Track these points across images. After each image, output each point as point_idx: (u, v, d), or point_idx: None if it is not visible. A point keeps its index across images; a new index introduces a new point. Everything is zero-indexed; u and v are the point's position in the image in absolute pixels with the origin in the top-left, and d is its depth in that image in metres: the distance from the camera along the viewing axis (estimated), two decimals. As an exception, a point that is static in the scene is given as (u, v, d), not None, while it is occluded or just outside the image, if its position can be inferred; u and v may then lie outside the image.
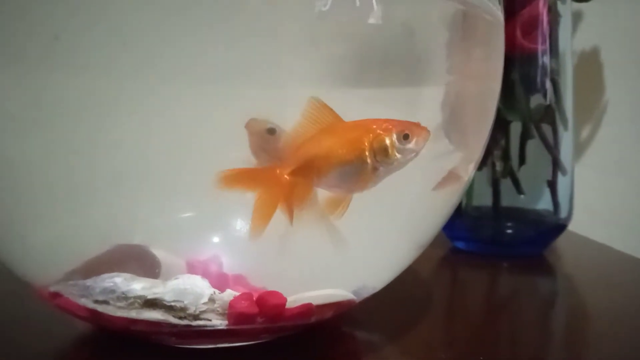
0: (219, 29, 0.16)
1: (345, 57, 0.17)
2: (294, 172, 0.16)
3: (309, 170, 0.16)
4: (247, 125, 0.16)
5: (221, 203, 0.17)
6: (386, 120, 0.16)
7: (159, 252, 0.18)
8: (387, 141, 0.16)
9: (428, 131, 0.17)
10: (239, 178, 0.16)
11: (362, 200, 0.17)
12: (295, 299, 0.17)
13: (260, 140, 0.16)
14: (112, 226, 0.18)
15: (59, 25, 0.15)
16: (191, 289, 0.18)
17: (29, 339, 0.21)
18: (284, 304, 0.17)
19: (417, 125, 0.17)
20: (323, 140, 0.16)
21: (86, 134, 0.16)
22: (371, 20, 0.16)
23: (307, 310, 0.18)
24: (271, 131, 0.16)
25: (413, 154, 0.17)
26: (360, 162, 0.16)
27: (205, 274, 0.18)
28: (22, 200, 0.17)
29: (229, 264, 0.18)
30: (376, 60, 0.17)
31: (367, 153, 0.16)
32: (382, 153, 0.16)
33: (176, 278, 0.18)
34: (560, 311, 0.28)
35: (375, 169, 0.16)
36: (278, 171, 0.16)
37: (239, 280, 0.18)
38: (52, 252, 0.18)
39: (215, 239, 0.18)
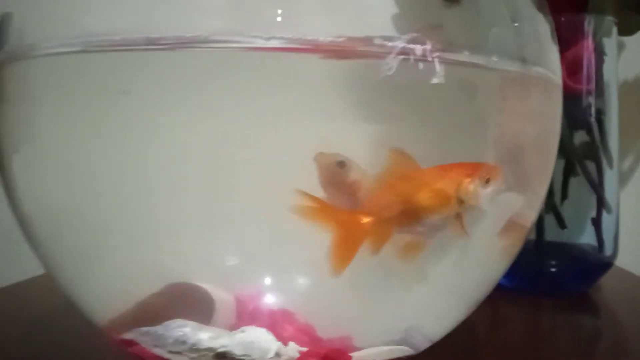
0: (285, 82, 0.16)
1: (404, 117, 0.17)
2: (377, 220, 0.16)
3: (392, 219, 0.16)
4: (316, 158, 0.16)
5: (269, 238, 0.17)
6: (465, 165, 0.17)
7: (208, 287, 0.19)
8: (472, 188, 0.16)
9: (501, 171, 0.17)
10: (319, 213, 0.16)
11: (428, 259, 0.18)
12: (360, 355, 0.18)
13: (330, 174, 0.16)
14: (168, 264, 0.18)
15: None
16: (258, 342, 0.18)
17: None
18: (350, 362, 0.18)
19: (494, 167, 0.17)
20: (407, 189, 0.16)
21: (145, 178, 0.17)
22: (434, 81, 0.17)
23: (371, 367, 0.18)
24: (341, 164, 0.16)
25: (491, 197, 0.17)
26: (446, 210, 0.16)
27: (255, 310, 0.18)
28: (87, 244, 0.19)
29: (275, 300, 0.18)
30: (436, 120, 0.18)
31: (452, 201, 0.16)
32: (467, 200, 0.16)
33: (242, 331, 0.19)
34: (604, 351, 0.28)
35: (459, 216, 0.17)
36: (362, 217, 0.16)
37: (286, 316, 0.19)
38: (114, 292, 0.19)
39: (263, 275, 0.18)
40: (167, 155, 0.17)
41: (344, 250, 0.16)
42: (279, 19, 0.16)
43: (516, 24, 0.18)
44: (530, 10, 0.19)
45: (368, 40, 0.16)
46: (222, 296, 0.19)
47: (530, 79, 0.19)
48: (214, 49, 0.16)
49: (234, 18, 0.17)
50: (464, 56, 0.16)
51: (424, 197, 0.16)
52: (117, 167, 0.17)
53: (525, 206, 0.21)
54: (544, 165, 0.22)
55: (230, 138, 0.16)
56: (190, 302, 0.19)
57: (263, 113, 0.16)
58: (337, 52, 0.16)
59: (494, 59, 0.17)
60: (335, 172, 0.16)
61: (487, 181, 0.16)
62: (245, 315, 0.18)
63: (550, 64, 0.19)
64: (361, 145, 0.17)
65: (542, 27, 0.19)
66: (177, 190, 0.17)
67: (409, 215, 0.16)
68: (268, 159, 0.17)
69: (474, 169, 0.16)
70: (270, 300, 0.18)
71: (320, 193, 0.16)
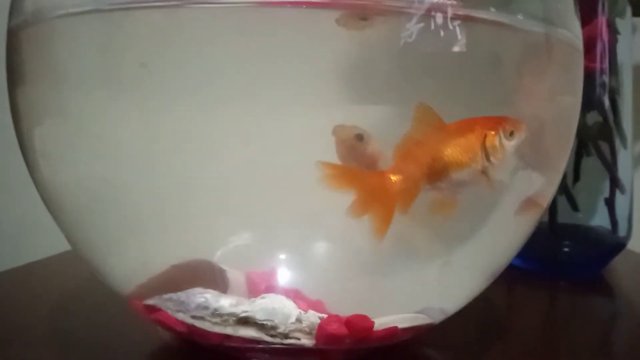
0: (306, 53, 0.16)
1: (433, 86, 0.17)
2: (404, 178, 0.16)
3: (419, 176, 0.16)
4: (335, 132, 0.16)
5: (284, 217, 0.17)
6: (488, 119, 0.17)
7: (222, 266, 0.19)
8: (497, 141, 0.16)
9: (524, 124, 0.17)
10: (347, 177, 0.16)
11: (444, 223, 0.18)
12: (381, 322, 0.18)
13: (349, 147, 0.16)
14: (187, 239, 0.18)
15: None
16: (280, 308, 0.18)
17: (121, 348, 0.22)
18: (372, 327, 0.18)
19: (517, 119, 0.17)
20: (433, 145, 0.16)
21: (168, 157, 0.17)
22: (456, 49, 0.17)
23: (393, 333, 0.18)
24: (359, 137, 0.16)
25: (515, 150, 0.17)
26: (474, 164, 0.17)
27: (266, 289, 0.18)
28: (115, 219, 0.19)
29: (288, 279, 0.18)
30: (462, 89, 0.17)
31: (479, 155, 0.16)
32: (493, 153, 0.17)
33: (263, 297, 0.19)
34: (619, 333, 0.28)
35: (485, 169, 0.17)
36: (391, 176, 0.16)
37: (296, 294, 0.19)
38: (138, 264, 0.19)
39: (276, 254, 0.18)
40: (188, 136, 0.17)
41: (385, 212, 0.16)
42: None
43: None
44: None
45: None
46: (235, 275, 0.19)
47: (556, 42, 0.18)
48: (224, 4, 0.15)
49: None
50: (490, 13, 0.16)
51: (450, 152, 0.16)
52: (142, 147, 0.17)
53: (544, 182, 0.21)
54: (566, 139, 0.22)
55: (244, 115, 0.16)
56: (206, 278, 0.19)
57: (276, 85, 0.16)
58: (354, 7, 0.15)
59: (520, 17, 0.16)
60: (354, 144, 0.16)
61: (511, 134, 0.17)
62: (258, 293, 0.18)
63: (574, 29, 0.19)
64: (380, 116, 0.17)
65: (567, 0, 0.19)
66: (199, 168, 0.17)
67: (437, 172, 0.16)
68: (280, 136, 0.16)
69: (497, 122, 0.16)
70: (282, 279, 0.18)
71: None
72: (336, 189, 0.16)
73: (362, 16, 0.15)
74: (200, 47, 0.16)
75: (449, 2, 0.15)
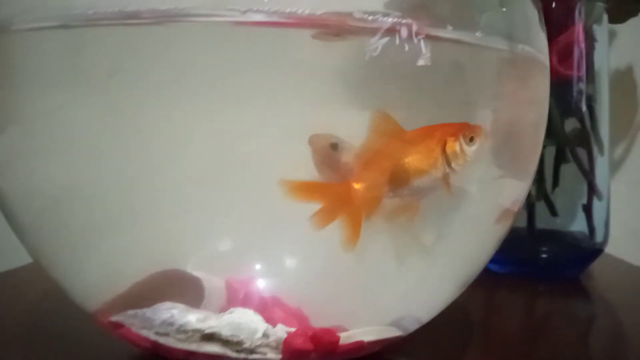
0: (277, 64, 0.16)
1: (396, 97, 0.17)
2: (369, 186, 0.16)
3: (383, 184, 0.16)
4: (310, 141, 0.16)
5: (261, 224, 0.17)
6: (448, 125, 0.17)
7: (198, 273, 0.19)
8: (457, 146, 0.17)
9: (484, 130, 0.17)
10: (310, 191, 0.16)
11: (415, 231, 0.18)
12: (348, 335, 0.18)
13: (323, 155, 0.16)
14: (158, 249, 0.18)
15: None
16: (246, 323, 0.18)
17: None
18: (338, 341, 0.18)
19: (476, 126, 0.17)
20: (394, 152, 0.16)
21: (132, 160, 0.17)
22: (420, 63, 0.17)
23: (359, 347, 0.18)
24: (334, 146, 0.16)
25: (476, 155, 0.17)
26: (434, 170, 0.17)
27: (246, 296, 0.18)
28: (75, 228, 0.18)
29: (266, 285, 0.18)
30: (426, 100, 0.17)
31: (440, 161, 0.17)
32: (454, 159, 0.17)
33: (230, 312, 0.19)
34: (597, 336, 0.28)
35: (446, 175, 0.17)
36: (354, 185, 0.16)
37: (275, 302, 0.19)
38: (103, 278, 0.19)
39: (253, 260, 0.18)
40: (155, 138, 0.16)
41: (354, 223, 0.16)
42: None
43: (504, 9, 0.18)
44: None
45: (349, 15, 0.15)
46: (212, 282, 0.19)
47: (519, 59, 0.18)
48: (192, 22, 0.15)
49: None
50: (448, 32, 0.16)
51: (411, 160, 0.16)
52: (104, 150, 0.17)
53: (516, 190, 0.22)
54: (533, 149, 0.22)
55: (218, 120, 0.16)
56: (179, 288, 0.19)
57: (251, 93, 0.16)
58: (320, 26, 0.15)
59: (478, 34, 0.16)
60: (328, 153, 0.16)
61: (471, 139, 0.17)
62: (236, 301, 0.18)
63: (539, 45, 0.19)
64: (352, 125, 0.17)
65: (530, 12, 0.19)
66: (167, 175, 0.17)
67: (398, 179, 0.16)
68: (256, 142, 0.16)
69: (457, 128, 0.17)
70: (261, 286, 0.18)
71: (315, 173, 0.16)
72: (301, 201, 0.16)
73: (335, 33, 0.16)
74: (163, 59, 0.16)
75: (407, 21, 0.15)
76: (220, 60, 0.16)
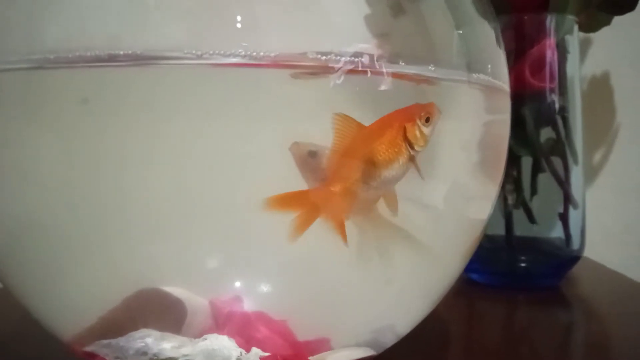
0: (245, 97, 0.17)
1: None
2: (343, 185, 0.17)
3: (357, 181, 0.17)
4: (291, 149, 0.17)
5: (243, 242, 0.17)
6: (403, 111, 0.17)
7: (181, 292, 0.19)
8: (417, 130, 0.17)
9: (436, 107, 0.18)
10: (288, 201, 0.17)
11: (392, 245, 0.18)
12: (319, 358, 0.18)
13: (303, 162, 0.17)
14: (133, 273, 0.18)
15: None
16: (219, 350, 0.19)
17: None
18: (308, 367, 0.18)
19: (429, 105, 0.18)
20: (361, 150, 0.17)
21: (104, 184, 0.17)
22: (382, 88, 0.17)
23: (329, 371, 0.18)
24: (312, 154, 0.17)
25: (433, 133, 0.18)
26: (400, 157, 0.17)
27: (229, 315, 0.19)
28: (46, 255, 0.18)
29: (249, 301, 0.19)
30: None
31: (403, 147, 0.17)
32: (416, 142, 0.17)
33: (204, 339, 0.19)
34: (577, 343, 0.28)
35: (412, 158, 0.18)
36: (330, 187, 0.17)
37: (260, 317, 0.19)
38: (77, 306, 0.19)
39: (237, 278, 0.18)
40: (127, 161, 0.17)
41: (307, 221, 0.17)
42: (238, 25, 0.16)
43: (459, 31, 0.19)
44: (474, 17, 0.19)
45: (303, 55, 0.16)
46: (195, 301, 0.19)
47: (476, 87, 0.19)
48: (168, 65, 0.16)
49: (185, 34, 0.17)
50: (400, 67, 0.16)
51: (376, 152, 0.17)
52: (76, 174, 0.17)
53: (482, 208, 0.22)
54: (498, 164, 0.22)
55: (195, 146, 0.17)
56: (159, 310, 0.19)
57: (226, 124, 0.16)
58: (282, 66, 0.16)
59: (431, 68, 0.17)
60: (308, 161, 0.17)
61: (427, 120, 0.17)
62: (220, 319, 0.18)
63: (496, 70, 0.20)
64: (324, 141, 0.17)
65: (487, 33, 0.20)
66: (141, 198, 0.17)
67: (369, 172, 0.17)
68: (234, 166, 0.17)
69: (412, 112, 0.17)
70: (245, 303, 0.18)
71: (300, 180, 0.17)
72: (282, 212, 0.17)
73: (310, 73, 0.17)
74: (130, 94, 0.16)
75: (360, 59, 0.16)
76: (191, 97, 0.16)
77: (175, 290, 0.18)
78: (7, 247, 0.19)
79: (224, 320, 0.18)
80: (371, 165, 0.17)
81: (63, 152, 0.17)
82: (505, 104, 0.21)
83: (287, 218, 0.17)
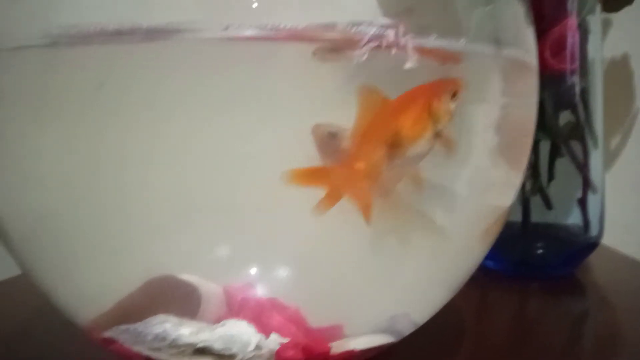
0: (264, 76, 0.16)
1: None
2: (367, 162, 0.17)
3: (381, 158, 0.17)
4: (312, 130, 0.16)
5: (257, 228, 0.17)
6: (429, 86, 0.17)
7: (195, 279, 0.19)
8: (443, 106, 0.17)
9: (462, 81, 0.17)
10: (312, 176, 0.17)
11: (411, 233, 0.18)
12: (339, 344, 0.18)
13: (324, 144, 0.17)
14: (150, 260, 0.18)
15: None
16: (238, 336, 0.18)
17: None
18: (329, 352, 0.18)
19: (455, 80, 0.17)
20: (385, 125, 0.17)
21: (121, 170, 0.17)
22: (408, 65, 0.17)
23: (351, 356, 0.18)
24: (332, 135, 0.17)
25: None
26: (427, 133, 0.17)
27: (243, 301, 0.18)
28: (65, 242, 0.18)
29: (264, 288, 0.18)
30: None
31: (429, 124, 0.17)
32: (441, 118, 0.17)
33: (222, 324, 0.19)
34: (593, 332, 0.28)
35: (438, 135, 0.17)
36: (354, 166, 0.17)
37: (273, 303, 0.19)
38: (95, 292, 0.19)
39: (251, 265, 0.18)
40: (147, 148, 0.16)
41: (334, 199, 0.17)
42: (254, 5, 0.16)
43: (490, 7, 0.18)
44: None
45: (332, 27, 0.15)
46: (209, 288, 0.19)
47: (503, 61, 0.18)
48: (183, 39, 0.15)
49: (199, 8, 0.16)
50: (431, 41, 0.16)
51: (402, 128, 0.17)
52: (93, 163, 0.17)
53: (506, 194, 0.21)
54: (524, 148, 0.22)
55: (211, 129, 0.16)
56: (173, 297, 0.19)
57: (243, 103, 0.16)
58: (304, 39, 0.15)
59: (462, 41, 0.16)
60: (328, 142, 0.17)
61: (454, 95, 0.17)
62: (234, 305, 0.18)
63: (526, 44, 0.19)
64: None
65: (516, 9, 0.19)
66: (158, 185, 0.17)
67: (394, 149, 0.17)
68: (250, 149, 0.16)
69: (438, 87, 0.17)
70: (259, 290, 0.18)
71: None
72: (305, 186, 0.17)
73: (331, 49, 0.16)
74: (149, 78, 0.16)
75: (390, 31, 0.15)
76: (206, 77, 0.16)
77: (189, 277, 0.18)
78: (27, 234, 0.19)
79: (238, 307, 0.18)
80: (396, 142, 0.17)
81: (80, 138, 0.17)
82: (534, 83, 0.20)
83: (302, 204, 0.17)
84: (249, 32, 0.15)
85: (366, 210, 0.17)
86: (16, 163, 0.18)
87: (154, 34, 0.15)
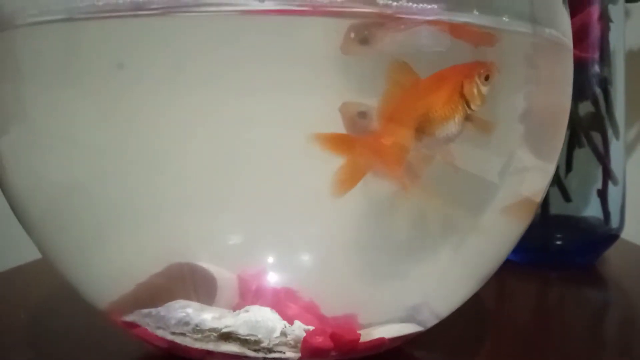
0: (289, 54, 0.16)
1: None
2: (395, 139, 0.16)
3: (408, 135, 0.16)
4: (340, 109, 0.16)
5: (272, 215, 0.17)
6: (462, 67, 0.16)
7: (210, 267, 0.18)
8: (475, 88, 0.16)
9: (496, 65, 0.17)
10: (340, 142, 0.16)
11: (437, 231, 0.17)
12: (368, 332, 0.18)
13: (353, 123, 0.16)
14: (168, 243, 0.18)
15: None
16: (263, 322, 0.18)
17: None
18: (358, 339, 0.17)
19: (490, 63, 0.17)
20: (416, 102, 0.16)
21: (140, 154, 0.17)
22: (437, 49, 0.16)
23: (380, 344, 0.18)
24: (362, 114, 0.16)
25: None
26: (457, 115, 0.16)
27: (258, 289, 0.18)
28: (84, 223, 0.18)
29: (278, 277, 0.18)
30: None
31: (460, 104, 0.16)
32: (473, 100, 0.16)
33: (246, 311, 0.18)
34: (613, 324, 0.28)
35: (469, 117, 0.17)
36: (381, 139, 0.16)
37: (289, 294, 0.18)
38: (113, 274, 0.19)
39: (266, 253, 0.18)
40: (166, 130, 0.16)
41: (356, 173, 0.16)
42: None
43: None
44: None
45: (372, 2, 0.15)
46: (224, 275, 0.18)
47: (542, 41, 0.18)
48: (205, 13, 0.15)
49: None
50: (473, 16, 0.15)
51: (432, 107, 0.16)
52: (114, 144, 0.16)
53: (540, 179, 0.21)
54: (557, 136, 0.21)
55: (225, 112, 0.16)
56: (191, 283, 0.18)
57: (264, 82, 0.16)
58: (337, 13, 0.15)
59: (505, 19, 0.16)
60: (357, 121, 0.16)
61: (487, 78, 0.16)
62: (249, 294, 0.18)
63: (563, 26, 0.19)
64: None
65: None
66: (175, 169, 0.16)
67: (422, 128, 0.16)
68: (264, 132, 0.16)
69: (471, 69, 0.16)
70: (273, 278, 0.18)
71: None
72: (330, 152, 0.16)
73: (361, 39, 0.16)
74: (170, 47, 0.16)
75: (432, 7, 0.14)
76: (228, 52, 0.15)
77: (205, 264, 0.18)
78: (46, 214, 0.18)
79: (253, 295, 0.18)
80: (425, 121, 0.16)
81: (99, 117, 0.16)
82: (570, 68, 0.20)
83: (319, 192, 0.16)
84: (272, 5, 0.15)
85: (397, 179, 0.16)
86: (35, 142, 0.18)
87: (172, 8, 0.15)
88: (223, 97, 0.16)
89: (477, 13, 0.15)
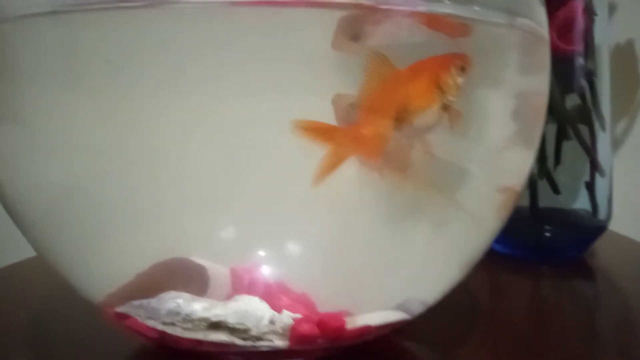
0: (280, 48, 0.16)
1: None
2: (374, 128, 0.17)
3: (388, 125, 0.17)
4: (333, 100, 0.16)
5: (263, 209, 0.17)
6: (438, 58, 0.17)
7: (203, 261, 0.18)
8: (451, 79, 0.17)
9: (471, 58, 0.17)
10: (321, 131, 0.17)
11: (419, 216, 0.18)
12: (354, 319, 0.18)
13: (344, 114, 0.17)
14: (162, 239, 0.18)
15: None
16: (252, 311, 0.18)
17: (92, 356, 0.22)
18: (344, 326, 0.18)
19: (465, 55, 0.17)
20: (393, 93, 0.17)
21: (133, 152, 0.17)
22: (418, 38, 0.17)
23: (366, 331, 0.18)
24: (353, 106, 0.17)
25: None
26: (435, 105, 0.17)
27: (251, 283, 0.18)
28: (79, 220, 0.18)
29: (270, 271, 0.18)
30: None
31: (437, 94, 0.17)
32: (449, 91, 0.17)
33: (235, 300, 0.19)
34: (603, 315, 0.28)
35: (446, 107, 0.17)
36: (361, 129, 0.17)
37: (280, 287, 0.19)
38: (108, 269, 0.19)
39: (258, 247, 0.18)
40: (155, 129, 0.16)
41: (334, 161, 0.17)
42: None
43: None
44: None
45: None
46: (217, 270, 0.19)
47: (516, 32, 0.18)
48: (191, 4, 0.15)
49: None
50: (446, 6, 0.15)
51: (410, 97, 0.17)
52: (106, 141, 0.17)
53: (520, 167, 0.21)
54: (537, 124, 0.21)
55: (217, 109, 0.16)
56: (183, 277, 0.18)
57: (255, 75, 0.16)
58: (320, 4, 0.15)
59: (476, 8, 0.16)
60: (348, 112, 0.17)
61: (463, 69, 0.17)
62: (241, 288, 0.18)
63: (538, 17, 0.19)
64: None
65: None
66: (169, 166, 0.17)
67: (401, 118, 0.17)
68: (256, 129, 0.16)
69: (447, 60, 0.17)
70: (266, 272, 0.18)
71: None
72: (311, 140, 0.16)
73: (352, 35, 0.16)
74: (168, 46, 0.16)
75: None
76: (227, 52, 0.16)
77: (197, 258, 0.18)
78: (43, 212, 0.19)
79: (246, 290, 0.18)
80: (403, 110, 0.17)
81: (93, 116, 0.17)
82: (547, 58, 0.20)
83: (309, 185, 0.16)
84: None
85: (374, 165, 0.17)
86: (29, 141, 0.18)
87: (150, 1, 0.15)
88: (222, 97, 0.16)
89: (450, 3, 0.16)
